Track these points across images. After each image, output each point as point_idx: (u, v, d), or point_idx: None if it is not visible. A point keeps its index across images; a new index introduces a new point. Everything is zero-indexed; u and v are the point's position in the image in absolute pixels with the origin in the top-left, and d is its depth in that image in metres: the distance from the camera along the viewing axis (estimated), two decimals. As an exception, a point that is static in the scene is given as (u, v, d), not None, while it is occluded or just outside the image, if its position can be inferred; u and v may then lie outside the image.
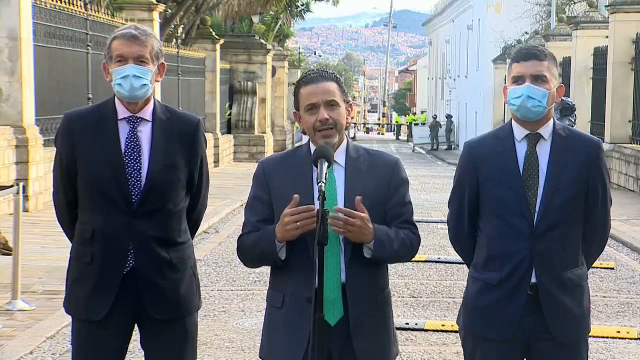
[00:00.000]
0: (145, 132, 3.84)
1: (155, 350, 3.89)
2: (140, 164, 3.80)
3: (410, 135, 57.20)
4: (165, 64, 3.97)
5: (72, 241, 3.97)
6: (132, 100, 3.81)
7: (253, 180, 3.66)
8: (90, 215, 3.83)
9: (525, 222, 3.69)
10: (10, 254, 8.15)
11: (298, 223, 3.39)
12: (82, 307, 3.84)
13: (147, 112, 3.85)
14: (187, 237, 3.97)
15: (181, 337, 3.90)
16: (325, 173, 3.36)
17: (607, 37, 21.15)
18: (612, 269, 10.68)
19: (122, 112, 3.84)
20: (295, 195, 3.42)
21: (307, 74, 3.65)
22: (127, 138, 3.82)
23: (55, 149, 3.99)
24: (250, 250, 3.58)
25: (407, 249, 3.58)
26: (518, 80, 3.70)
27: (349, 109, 3.61)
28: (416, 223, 3.69)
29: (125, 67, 3.75)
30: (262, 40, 33.04)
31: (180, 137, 3.88)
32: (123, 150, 3.80)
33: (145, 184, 3.79)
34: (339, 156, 3.57)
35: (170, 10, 27.31)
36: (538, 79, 3.68)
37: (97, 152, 3.80)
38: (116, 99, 3.86)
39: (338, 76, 3.63)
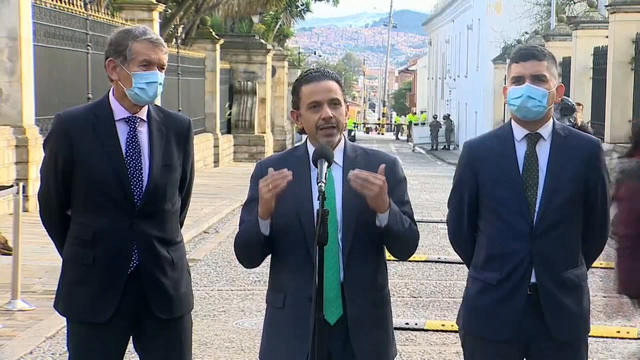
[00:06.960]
0: (143, 133, 3.84)
1: (155, 349, 3.88)
2: (141, 164, 3.80)
3: (410, 135, 57.21)
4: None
5: (55, 241, 3.94)
6: (144, 104, 3.83)
7: (250, 182, 3.64)
8: (90, 217, 3.80)
9: (525, 222, 3.68)
10: (10, 254, 8.15)
11: (270, 185, 3.37)
12: (86, 310, 3.80)
13: (144, 113, 3.86)
14: (181, 236, 4.01)
15: (180, 335, 3.91)
16: (325, 173, 3.35)
17: (607, 37, 21.12)
18: (612, 269, 10.66)
19: (120, 112, 3.82)
20: (270, 168, 3.41)
21: (308, 72, 3.64)
22: (127, 139, 3.81)
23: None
24: (240, 241, 3.57)
25: (412, 236, 3.56)
26: (518, 80, 3.70)
27: (347, 109, 3.61)
28: (416, 223, 3.68)
29: (153, 73, 3.76)
30: (262, 40, 33.04)
31: (175, 137, 3.90)
32: (124, 152, 3.79)
33: (147, 185, 3.79)
34: (337, 156, 3.55)
35: (170, 10, 27.31)
36: (537, 79, 3.68)
37: (98, 154, 3.77)
38: (111, 99, 3.84)
39: (338, 76, 3.63)
